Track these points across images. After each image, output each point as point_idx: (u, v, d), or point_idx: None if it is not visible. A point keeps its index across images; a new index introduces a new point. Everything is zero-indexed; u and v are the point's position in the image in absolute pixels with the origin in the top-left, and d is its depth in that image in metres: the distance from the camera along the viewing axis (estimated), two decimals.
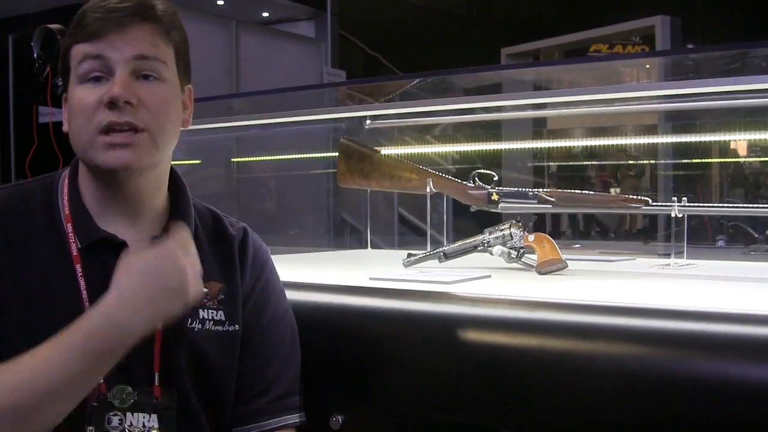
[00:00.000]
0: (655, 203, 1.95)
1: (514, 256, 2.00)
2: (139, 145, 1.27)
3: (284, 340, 1.46)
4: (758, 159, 3.87)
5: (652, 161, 4.01)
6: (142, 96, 1.27)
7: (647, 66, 2.42)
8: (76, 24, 1.30)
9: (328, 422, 1.50)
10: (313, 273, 2.10)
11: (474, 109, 2.62)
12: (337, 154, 2.37)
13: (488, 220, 2.16)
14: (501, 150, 3.23)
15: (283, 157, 3.92)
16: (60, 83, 2.39)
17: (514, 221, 2.02)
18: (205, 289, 1.37)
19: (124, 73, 1.26)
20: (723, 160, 3.68)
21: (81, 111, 1.27)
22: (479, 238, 2.05)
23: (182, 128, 1.38)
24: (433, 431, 1.43)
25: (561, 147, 3.74)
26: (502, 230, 2.02)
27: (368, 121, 2.83)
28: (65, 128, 1.33)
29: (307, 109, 2.87)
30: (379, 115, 2.81)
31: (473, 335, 1.43)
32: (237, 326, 1.40)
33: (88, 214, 1.33)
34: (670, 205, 1.91)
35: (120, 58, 1.26)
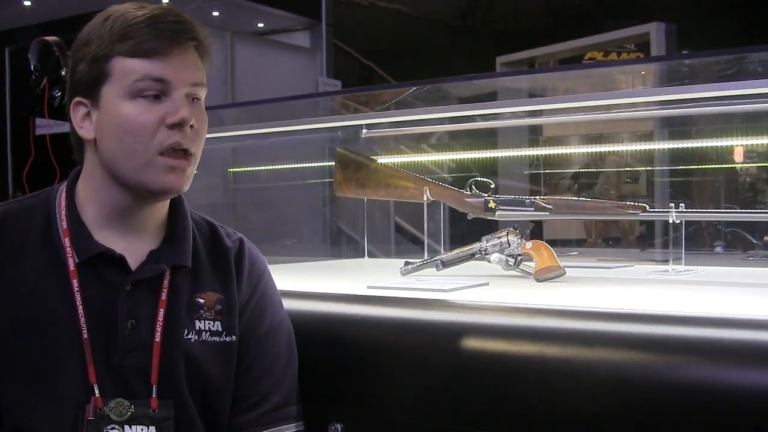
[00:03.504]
0: (652, 209, 1.94)
1: (512, 264, 2.00)
2: (187, 170, 1.30)
3: (281, 351, 1.46)
4: (756, 164, 3.87)
5: (648, 168, 4.00)
6: (195, 119, 1.30)
7: (643, 72, 2.42)
8: (121, 34, 1.27)
9: (327, 431, 1.50)
10: (310, 282, 2.09)
11: (470, 117, 2.62)
12: (333, 163, 2.36)
13: (485, 228, 2.15)
14: (497, 158, 3.23)
15: (279, 166, 3.92)
16: (57, 95, 2.39)
17: (511, 229, 2.02)
18: (202, 300, 1.37)
19: (184, 96, 1.28)
20: (720, 165, 3.67)
21: (138, 128, 1.26)
22: (476, 245, 2.05)
23: None
24: None
25: (557, 154, 3.74)
26: (500, 238, 2.02)
27: (364, 130, 2.83)
28: (89, 136, 1.31)
29: (303, 119, 2.87)
30: (375, 124, 2.81)
31: (471, 343, 1.43)
32: (234, 337, 1.40)
33: (86, 228, 1.33)
34: (668, 211, 1.91)
35: (181, 82, 1.27)
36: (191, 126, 1.28)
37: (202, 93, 1.32)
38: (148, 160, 1.27)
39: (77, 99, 1.32)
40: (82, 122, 1.32)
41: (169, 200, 1.40)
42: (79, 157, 1.37)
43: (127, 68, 1.27)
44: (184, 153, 1.29)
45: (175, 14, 1.30)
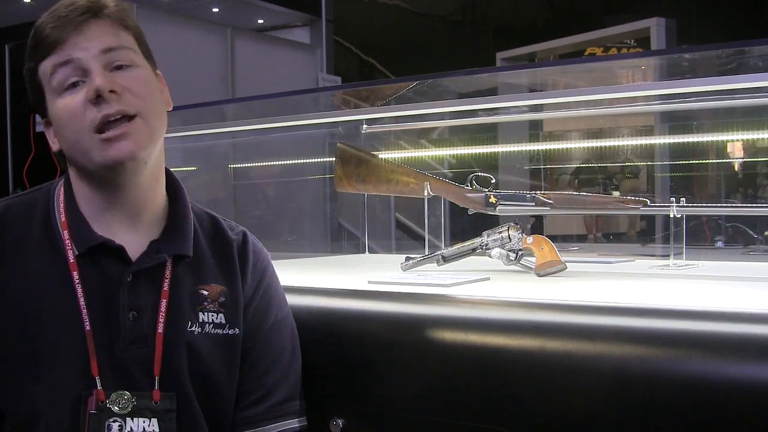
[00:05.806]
0: (653, 204, 1.94)
1: (513, 259, 2.00)
2: (136, 133, 1.27)
3: (285, 346, 1.46)
4: (756, 159, 3.86)
5: (649, 162, 4.00)
6: (123, 84, 1.28)
7: (643, 66, 2.42)
8: (34, 43, 1.30)
9: (329, 426, 1.50)
10: (311, 277, 2.09)
11: (470, 112, 2.62)
12: (333, 159, 2.36)
13: (486, 223, 2.15)
14: (498, 153, 3.23)
15: (279, 162, 3.92)
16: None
17: (512, 224, 2.02)
18: (205, 292, 1.37)
19: (98, 67, 1.26)
20: (721, 160, 3.67)
21: (70, 116, 1.27)
22: (477, 240, 2.05)
23: (167, 110, 1.39)
24: None
25: (558, 149, 3.73)
26: (501, 233, 2.02)
27: (365, 126, 2.83)
28: (55, 148, 1.33)
29: (304, 114, 2.87)
30: (375, 119, 2.81)
31: (472, 337, 1.43)
32: (237, 330, 1.39)
33: (85, 221, 1.33)
34: (669, 206, 1.91)
35: (88, 55, 1.27)
36: (113, 92, 1.25)
37: (125, 56, 1.30)
38: (89, 142, 1.26)
39: (44, 120, 1.34)
40: (53, 138, 1.34)
41: (164, 188, 1.40)
42: (64, 167, 1.38)
43: (45, 70, 1.29)
44: (128, 118, 1.27)
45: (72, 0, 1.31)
